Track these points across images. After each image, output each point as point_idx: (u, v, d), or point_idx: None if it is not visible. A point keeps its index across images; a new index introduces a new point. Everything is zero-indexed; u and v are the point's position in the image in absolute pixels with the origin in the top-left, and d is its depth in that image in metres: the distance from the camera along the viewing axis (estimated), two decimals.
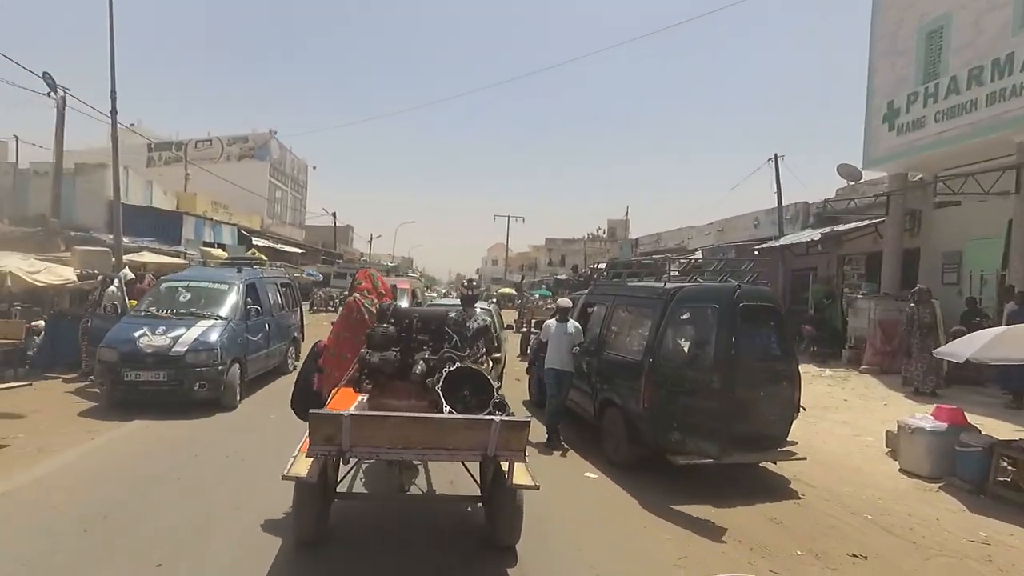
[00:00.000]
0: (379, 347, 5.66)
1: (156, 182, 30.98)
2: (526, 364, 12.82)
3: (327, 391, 5.94)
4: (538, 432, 8.79)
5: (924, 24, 14.20)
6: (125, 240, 18.94)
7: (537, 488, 4.64)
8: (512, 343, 18.53)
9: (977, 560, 5.41)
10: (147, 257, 18.82)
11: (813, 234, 19.35)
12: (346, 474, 6.01)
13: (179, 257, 21.35)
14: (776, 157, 24.93)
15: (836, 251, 19.50)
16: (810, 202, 22.23)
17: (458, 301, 8.13)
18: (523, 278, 57.14)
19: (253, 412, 9.89)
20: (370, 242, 69.00)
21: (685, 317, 7.37)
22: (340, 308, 7.70)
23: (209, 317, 10.39)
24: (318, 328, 15.57)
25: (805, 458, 7.29)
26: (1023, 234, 12.16)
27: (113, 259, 14.78)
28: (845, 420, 10.23)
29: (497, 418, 4.44)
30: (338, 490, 5.57)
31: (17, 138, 26.10)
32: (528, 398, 11.60)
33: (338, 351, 6.26)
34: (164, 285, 11.57)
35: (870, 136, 15.78)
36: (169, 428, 8.73)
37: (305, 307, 28.13)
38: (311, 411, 4.48)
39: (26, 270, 11.94)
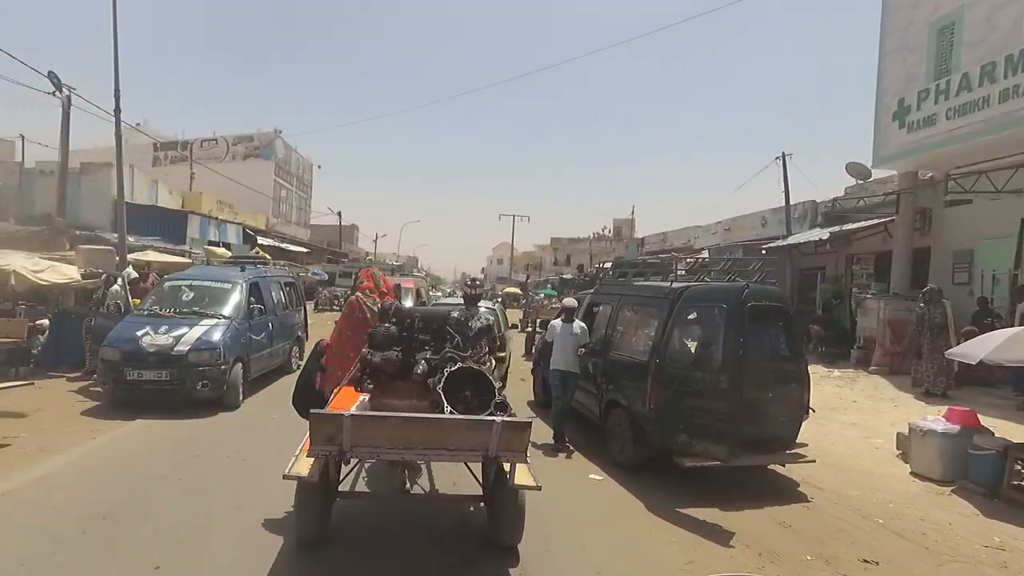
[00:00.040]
0: (381, 347, 5.61)
1: (161, 181, 30.96)
2: (531, 364, 12.73)
3: (329, 390, 5.92)
4: (543, 433, 8.72)
5: (935, 20, 14.02)
6: (130, 239, 18.94)
7: (539, 489, 4.61)
8: (517, 342, 18.45)
9: (992, 566, 5.28)
10: (151, 256, 18.81)
11: (822, 233, 19.19)
12: (348, 473, 5.98)
13: (184, 256, 21.33)
14: (784, 156, 24.78)
15: (844, 250, 19.32)
16: (818, 201, 22.06)
17: (463, 300, 8.05)
18: (528, 277, 57.08)
19: (256, 412, 9.84)
20: (375, 241, 69.11)
21: (692, 317, 7.26)
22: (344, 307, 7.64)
23: (212, 316, 10.34)
24: (322, 327, 15.49)
25: (814, 461, 7.18)
26: None
27: (117, 258, 14.75)
28: (854, 422, 10.10)
29: (498, 419, 4.41)
30: (340, 489, 5.53)
31: (23, 137, 26.13)
32: (533, 398, 11.51)
33: (340, 350, 6.23)
34: (167, 284, 11.53)
35: (880, 134, 15.59)
36: (171, 427, 8.68)
37: (310, 306, 28.23)
38: (312, 411, 4.46)
39: (30, 269, 11.92)
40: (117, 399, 9.51)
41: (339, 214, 53.23)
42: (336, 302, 31.24)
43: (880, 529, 6.01)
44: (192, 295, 10.89)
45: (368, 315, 6.24)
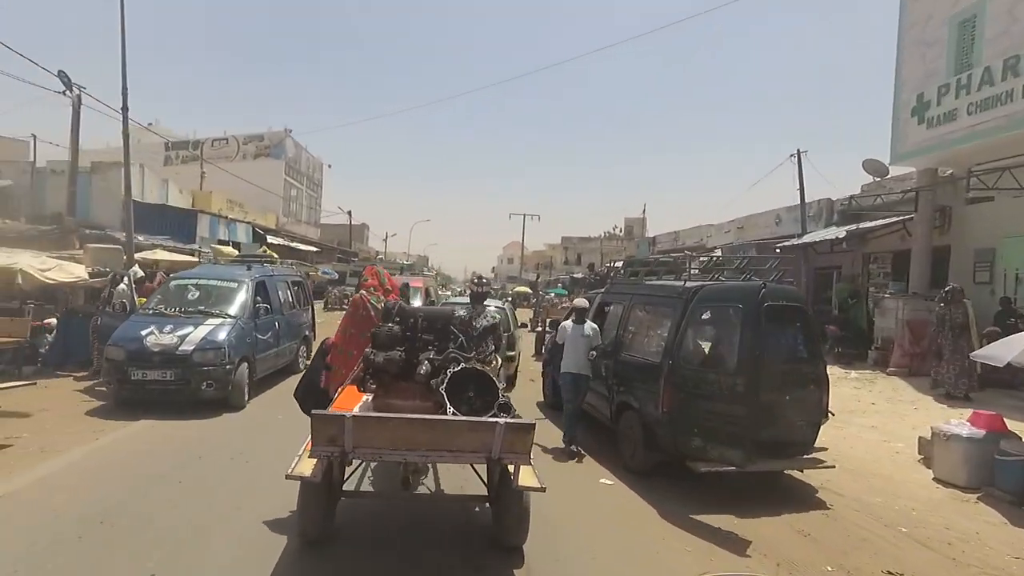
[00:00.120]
0: (384, 346, 5.50)
1: (172, 180, 31.01)
2: (541, 364, 12.55)
3: (334, 388, 5.91)
4: (553, 435, 8.55)
5: (956, 13, 13.69)
6: (140, 238, 18.93)
7: (543, 490, 4.61)
8: (527, 341, 18.29)
9: None
10: (160, 255, 18.77)
11: (838, 231, 18.87)
12: (352, 472, 5.94)
13: (193, 255, 21.28)
14: (799, 153, 24.45)
15: (861, 249, 19.01)
16: (834, 199, 21.74)
17: (468, 299, 7.91)
18: (538, 276, 56.94)
19: (261, 412, 9.71)
20: (385, 240, 69.18)
21: (707, 317, 7.02)
22: None
23: (217, 315, 10.22)
24: (331, 327, 15.36)
25: (834, 466, 6.96)
26: None
27: (124, 257, 14.69)
28: (873, 425, 9.83)
29: (501, 420, 4.39)
30: (345, 488, 5.49)
31: (35, 137, 26.24)
32: (542, 399, 11.33)
33: (345, 348, 6.21)
34: (173, 283, 11.42)
35: (898, 130, 15.27)
36: (175, 428, 8.56)
37: (319, 305, 28.17)
38: (313, 412, 4.46)
39: (37, 267, 11.86)
40: (121, 399, 9.41)
41: (349, 213, 53.33)
42: (346, 301, 31.17)
43: (904, 538, 5.77)
44: (198, 294, 10.79)
45: (372, 313, 6.19)
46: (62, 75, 16.78)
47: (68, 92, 17.08)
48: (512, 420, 4.50)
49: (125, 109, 15.19)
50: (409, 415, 4.69)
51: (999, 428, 7.14)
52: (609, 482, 7.12)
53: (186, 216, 27.28)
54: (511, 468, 4.60)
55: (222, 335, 9.72)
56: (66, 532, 5.09)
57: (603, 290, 10.55)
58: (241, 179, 38.36)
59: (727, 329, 6.83)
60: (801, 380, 6.99)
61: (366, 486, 6.42)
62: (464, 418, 4.59)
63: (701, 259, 10.00)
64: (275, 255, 19.68)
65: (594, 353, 8.10)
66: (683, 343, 6.93)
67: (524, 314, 29.31)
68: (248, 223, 33.77)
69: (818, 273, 21.07)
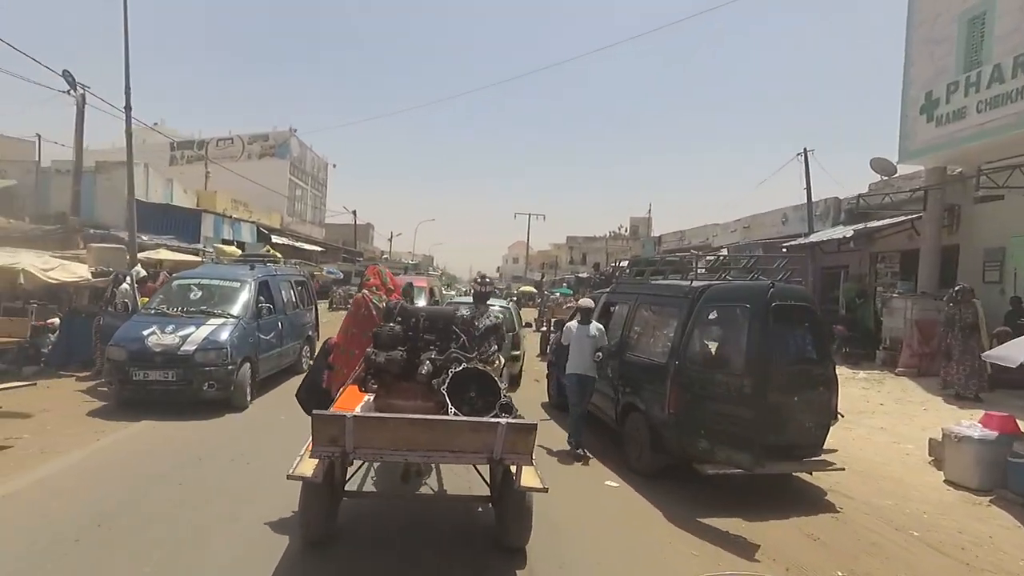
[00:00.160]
0: (385, 346, 5.44)
1: (176, 180, 31.01)
2: (546, 364, 12.47)
3: (336, 388, 5.88)
4: (558, 435, 8.47)
5: (965, 10, 13.55)
6: (144, 238, 18.92)
7: (546, 491, 4.62)
8: (531, 341, 18.21)
9: None
10: (163, 255, 18.75)
11: (845, 231, 18.72)
12: (355, 472, 5.91)
13: (197, 255, 21.24)
14: (806, 151, 24.28)
15: (868, 248, 18.86)
16: (841, 198, 21.58)
17: (471, 298, 7.83)
18: (543, 276, 56.83)
19: (263, 413, 9.64)
20: (390, 240, 69.13)
21: (713, 317, 6.90)
22: None
23: (220, 315, 10.15)
24: (335, 327, 15.34)
25: (843, 468, 6.83)
26: None
27: (127, 256, 14.64)
28: (883, 426, 9.71)
29: (503, 420, 4.36)
30: (347, 489, 5.46)
31: (39, 136, 26.25)
32: (547, 399, 11.24)
33: (347, 348, 6.17)
34: (175, 283, 11.36)
35: (906, 128, 15.12)
36: (177, 429, 8.50)
37: (324, 305, 28.12)
38: (314, 412, 4.45)
39: (40, 267, 11.82)
40: (123, 400, 9.36)
41: (354, 213, 53.24)
42: (350, 301, 31.14)
43: (916, 543, 5.66)
44: (200, 294, 10.73)
45: (374, 312, 6.13)
46: (66, 75, 16.77)
47: (72, 92, 17.07)
48: (514, 420, 4.46)
49: (128, 108, 15.16)
50: (410, 415, 4.66)
51: (1011, 430, 7.02)
52: (614, 484, 7.02)
53: (190, 216, 27.23)
54: (513, 469, 4.58)
55: (224, 335, 9.65)
56: (64, 534, 5.03)
57: (608, 290, 10.44)
58: (246, 179, 38.33)
59: (734, 329, 6.70)
60: (810, 381, 6.88)
61: (368, 486, 6.38)
62: (465, 418, 4.55)
63: (707, 258, 9.87)
64: (278, 255, 19.64)
65: (600, 355, 7.98)
66: (690, 343, 6.82)
67: (529, 314, 29.27)
68: (253, 223, 33.74)
69: (825, 272, 20.92)
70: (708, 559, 5.14)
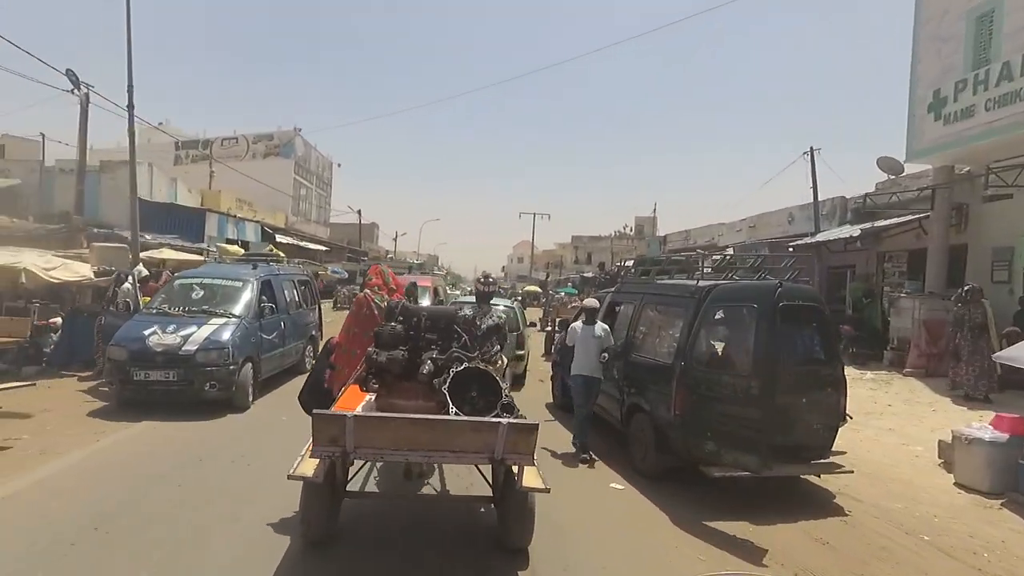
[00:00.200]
0: (387, 346, 5.41)
1: (181, 179, 31.00)
2: (550, 364, 12.38)
3: (338, 388, 5.85)
4: (562, 436, 8.39)
5: (973, 8, 13.40)
6: (148, 237, 18.86)
7: (547, 491, 4.61)
8: (536, 341, 18.12)
9: None
10: (166, 254, 18.71)
11: (852, 230, 18.58)
12: (356, 472, 5.87)
13: (200, 254, 21.20)
14: (812, 150, 24.13)
15: (875, 248, 18.71)
16: (848, 197, 21.43)
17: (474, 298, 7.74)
18: (548, 276, 56.68)
19: (265, 413, 9.56)
20: (395, 240, 69.08)
21: (720, 317, 6.81)
22: None
23: (221, 315, 10.07)
24: (339, 326, 15.28)
25: (852, 471, 6.72)
26: None
27: (130, 255, 14.60)
28: (891, 427, 9.59)
29: (504, 420, 4.35)
30: (349, 489, 5.42)
31: (43, 135, 26.22)
32: (552, 400, 11.14)
33: (349, 347, 6.14)
34: (177, 282, 11.29)
35: (914, 127, 14.99)
36: (177, 430, 8.42)
37: (328, 305, 28.06)
38: (315, 411, 4.45)
39: (41, 266, 11.74)
40: (124, 400, 9.29)
41: (359, 212, 53.22)
42: (353, 300, 31.05)
43: (926, 547, 5.56)
44: (202, 293, 10.65)
45: (376, 312, 6.08)
46: (70, 74, 16.71)
47: (76, 91, 17.01)
48: (515, 420, 4.44)
49: (131, 106, 15.12)
50: (411, 415, 4.63)
51: (1023, 432, 6.90)
52: (619, 486, 6.93)
53: (194, 215, 27.19)
54: (515, 469, 4.55)
55: (226, 335, 9.58)
56: (62, 536, 4.97)
57: (613, 289, 10.34)
58: (250, 178, 38.33)
59: (741, 329, 6.61)
60: (818, 382, 6.78)
61: (371, 486, 6.34)
62: (466, 418, 4.53)
63: (714, 257, 9.76)
64: (281, 254, 19.58)
65: (606, 355, 7.86)
66: (696, 344, 6.73)
67: (534, 313, 29.18)
68: (257, 222, 33.69)
69: (831, 272, 20.78)
70: (714, 563, 5.05)
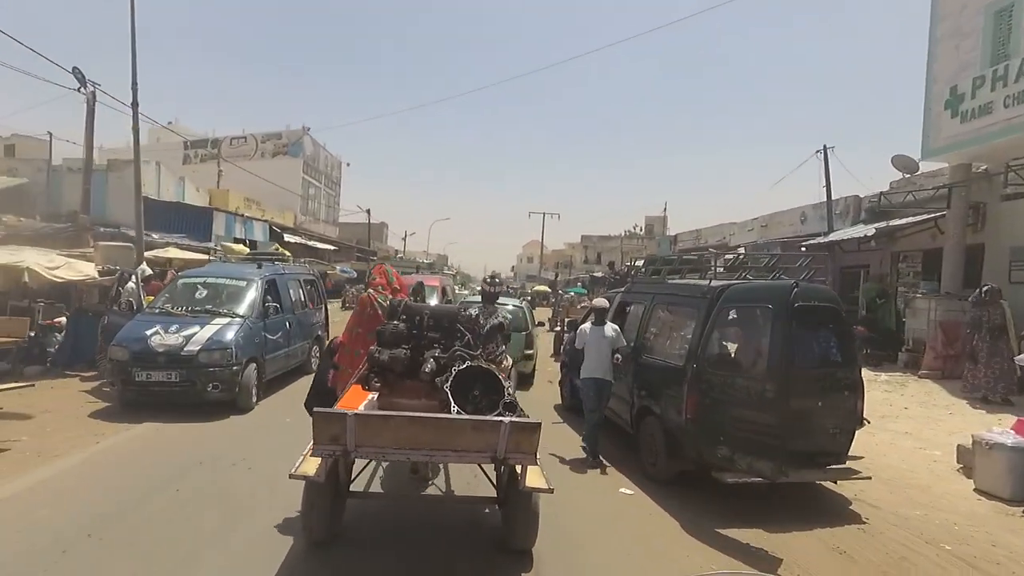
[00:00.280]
0: (389, 344, 5.36)
1: (189, 178, 30.94)
2: (559, 365, 12.21)
3: (341, 387, 5.83)
4: (570, 440, 8.26)
5: (992, 2, 13.08)
6: (155, 236, 18.79)
7: (551, 491, 4.57)
8: (544, 341, 17.96)
9: None
10: (172, 253, 18.63)
11: (866, 229, 18.27)
12: (359, 472, 5.80)
13: (207, 254, 21.12)
14: (825, 149, 23.80)
15: (890, 247, 18.40)
16: (862, 196, 21.12)
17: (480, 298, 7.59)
18: (557, 276, 56.50)
19: (269, 415, 9.44)
20: (404, 239, 68.99)
21: (733, 318, 6.60)
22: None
23: (225, 315, 9.97)
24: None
25: (870, 477, 6.52)
26: None
27: (135, 254, 14.52)
28: (907, 431, 9.35)
29: (506, 419, 4.31)
30: (352, 489, 5.41)
31: (51, 134, 26.22)
32: (560, 402, 10.96)
33: (352, 347, 6.12)
34: (180, 281, 11.19)
35: (930, 125, 14.69)
36: (179, 431, 8.31)
37: (337, 304, 27.97)
38: (315, 410, 4.43)
39: (45, 265, 11.64)
40: (126, 401, 9.19)
41: (368, 212, 53.09)
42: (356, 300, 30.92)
43: (948, 557, 5.33)
44: (206, 293, 10.55)
45: (379, 312, 6.04)
46: (76, 72, 16.61)
47: (82, 89, 16.93)
48: (517, 419, 4.40)
49: (135, 104, 15.03)
50: (412, 414, 4.61)
51: None
52: (629, 491, 6.75)
53: (202, 214, 27.08)
54: (518, 469, 4.55)
55: (229, 335, 9.46)
56: (53, 543, 4.82)
57: (623, 289, 10.14)
58: (259, 177, 38.28)
59: (755, 331, 6.40)
60: (835, 385, 6.55)
61: (376, 487, 6.29)
62: (468, 417, 4.50)
63: (726, 257, 9.54)
64: (287, 253, 19.46)
65: (619, 356, 7.62)
66: (708, 345, 6.53)
67: (543, 313, 29.05)
68: (265, 221, 33.61)
69: (844, 272, 20.47)
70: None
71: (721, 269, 8.35)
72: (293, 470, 4.44)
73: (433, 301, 12.12)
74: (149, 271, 13.23)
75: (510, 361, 6.01)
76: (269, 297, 10.95)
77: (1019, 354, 10.19)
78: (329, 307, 15.28)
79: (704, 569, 4.90)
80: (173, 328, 9.36)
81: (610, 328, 7.82)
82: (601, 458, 7.63)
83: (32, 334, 11.68)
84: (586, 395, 7.79)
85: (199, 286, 10.74)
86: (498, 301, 7.80)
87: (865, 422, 6.78)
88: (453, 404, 4.66)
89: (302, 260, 21.58)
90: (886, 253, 18.58)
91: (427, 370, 5.08)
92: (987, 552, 5.44)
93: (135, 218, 15.50)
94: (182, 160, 45.93)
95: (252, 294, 10.57)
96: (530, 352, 13.04)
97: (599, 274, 44.96)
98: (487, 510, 5.75)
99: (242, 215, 30.79)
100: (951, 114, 13.89)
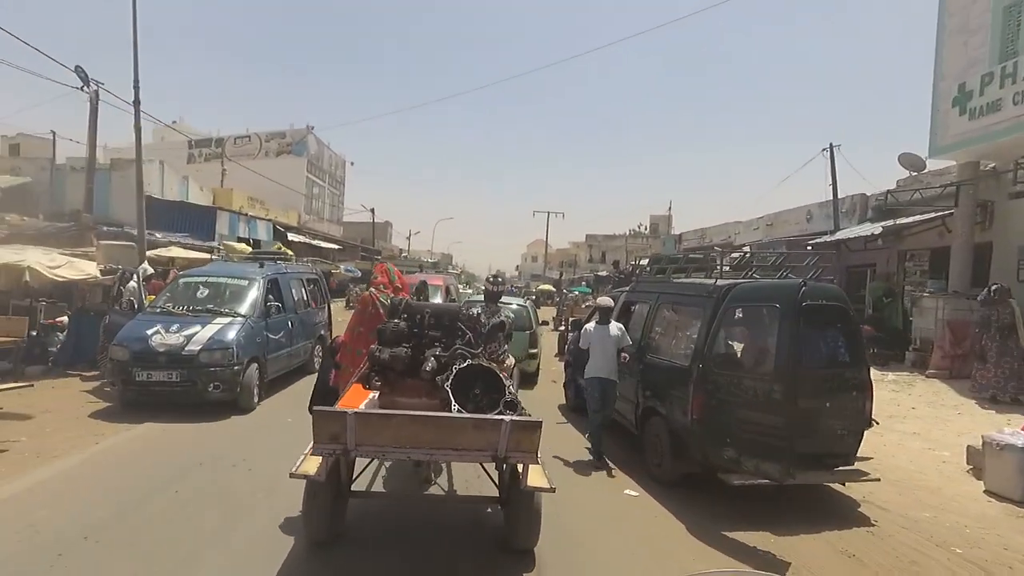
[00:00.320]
0: (389, 343, 5.34)
1: (192, 177, 30.92)
2: (563, 365, 12.12)
3: (342, 387, 5.82)
4: (574, 440, 8.19)
5: None
6: (158, 235, 18.75)
7: (553, 490, 4.55)
8: (549, 340, 17.88)
9: None
10: (174, 252, 18.58)
11: (873, 228, 18.12)
12: (361, 472, 5.76)
13: (210, 253, 21.08)
14: (831, 147, 23.64)
15: (896, 246, 18.26)
16: (868, 194, 20.97)
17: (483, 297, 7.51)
18: (562, 275, 56.35)
19: (271, 415, 9.37)
20: (408, 238, 69.01)
21: (740, 317, 6.53)
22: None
23: (226, 314, 9.89)
24: None
25: (879, 479, 6.41)
26: None
27: (137, 253, 14.47)
28: (915, 431, 9.24)
29: (507, 418, 4.29)
30: (354, 489, 5.38)
31: (54, 133, 26.20)
32: (564, 402, 10.88)
33: (354, 346, 6.11)
34: (182, 280, 11.12)
35: (937, 122, 14.56)
36: (179, 432, 8.24)
37: (341, 303, 27.91)
38: (315, 409, 4.43)
39: (46, 265, 11.58)
40: (126, 401, 9.13)
41: (372, 211, 53.08)
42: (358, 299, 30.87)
43: (959, 560, 5.23)
44: (207, 292, 10.47)
45: (381, 311, 6.01)
46: (79, 70, 16.58)
47: (85, 88, 16.90)
48: (518, 418, 4.36)
49: (137, 103, 15.00)
50: (413, 412, 4.60)
51: None
52: (634, 493, 6.65)
53: (206, 213, 27.00)
54: (519, 468, 4.55)
55: (230, 335, 9.38)
56: (49, 546, 4.76)
57: (628, 288, 10.04)
58: (263, 176, 38.28)
59: (762, 330, 6.32)
60: (843, 385, 6.45)
61: (378, 486, 6.25)
62: (469, 415, 4.48)
63: (733, 256, 9.43)
64: (290, 252, 19.38)
65: (626, 355, 7.53)
66: (714, 345, 6.44)
67: (547, 312, 28.97)
68: (269, 220, 33.57)
69: (850, 271, 20.33)
70: None
71: (727, 268, 8.25)
72: (294, 469, 4.43)
73: (437, 300, 12.07)
74: (151, 270, 13.17)
75: (512, 360, 5.98)
76: (271, 296, 10.87)
77: None
78: (333, 306, 15.20)
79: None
80: (174, 328, 9.29)
81: (615, 327, 7.73)
82: (606, 459, 7.54)
83: (33, 333, 11.64)
84: (590, 395, 7.71)
85: (200, 285, 10.67)
86: (502, 300, 7.75)
87: (873, 423, 6.68)
88: (454, 403, 4.63)
89: (306, 259, 21.53)
90: (893, 252, 18.44)
91: (428, 369, 5.05)
92: (999, 555, 5.33)
93: (137, 217, 15.45)
94: (186, 159, 45.97)
95: (254, 293, 10.50)
96: (534, 351, 12.97)
97: (603, 273, 44.92)
98: (489, 510, 5.72)
99: (246, 214, 30.75)
100: (959, 111, 13.76)
